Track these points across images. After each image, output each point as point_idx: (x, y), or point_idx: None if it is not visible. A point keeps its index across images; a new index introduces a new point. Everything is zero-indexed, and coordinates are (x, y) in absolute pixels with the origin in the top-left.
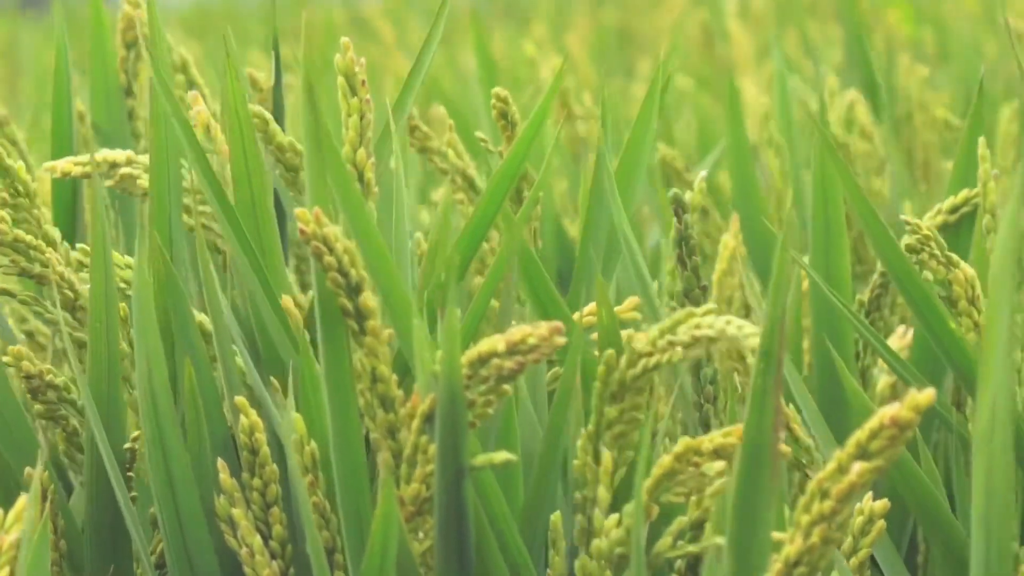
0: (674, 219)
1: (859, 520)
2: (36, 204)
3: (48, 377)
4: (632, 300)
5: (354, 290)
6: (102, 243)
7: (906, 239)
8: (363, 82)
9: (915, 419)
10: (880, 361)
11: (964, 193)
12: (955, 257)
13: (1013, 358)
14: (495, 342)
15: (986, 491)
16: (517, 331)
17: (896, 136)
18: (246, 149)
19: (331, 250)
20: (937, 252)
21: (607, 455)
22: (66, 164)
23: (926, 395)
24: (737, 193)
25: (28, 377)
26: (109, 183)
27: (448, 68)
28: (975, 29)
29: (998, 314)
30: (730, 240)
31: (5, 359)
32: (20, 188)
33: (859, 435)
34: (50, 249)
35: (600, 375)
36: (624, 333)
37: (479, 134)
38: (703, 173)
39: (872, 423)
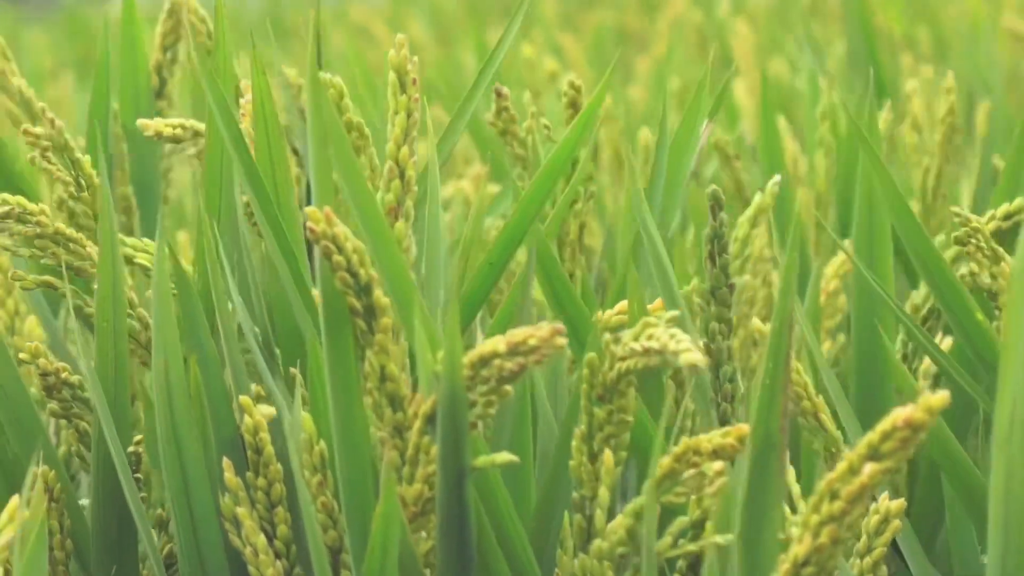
0: (709, 216)
1: (874, 519)
2: (97, 198)
3: (64, 375)
4: (660, 301)
5: (364, 290)
6: (111, 237)
7: (955, 232)
8: (414, 80)
9: (929, 421)
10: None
11: (1020, 200)
12: (1001, 251)
13: None
14: (496, 343)
15: (1005, 494)
16: (519, 332)
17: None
18: (271, 142)
19: (340, 249)
20: (983, 245)
21: (608, 454)
22: (158, 124)
23: (939, 397)
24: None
25: (44, 375)
26: (193, 151)
27: (448, 68)
28: (971, 28)
29: (1019, 313)
30: (755, 242)
31: (22, 355)
32: (84, 183)
33: (871, 436)
34: (90, 243)
35: (584, 377)
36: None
37: (544, 121)
38: (777, 177)
39: (885, 424)
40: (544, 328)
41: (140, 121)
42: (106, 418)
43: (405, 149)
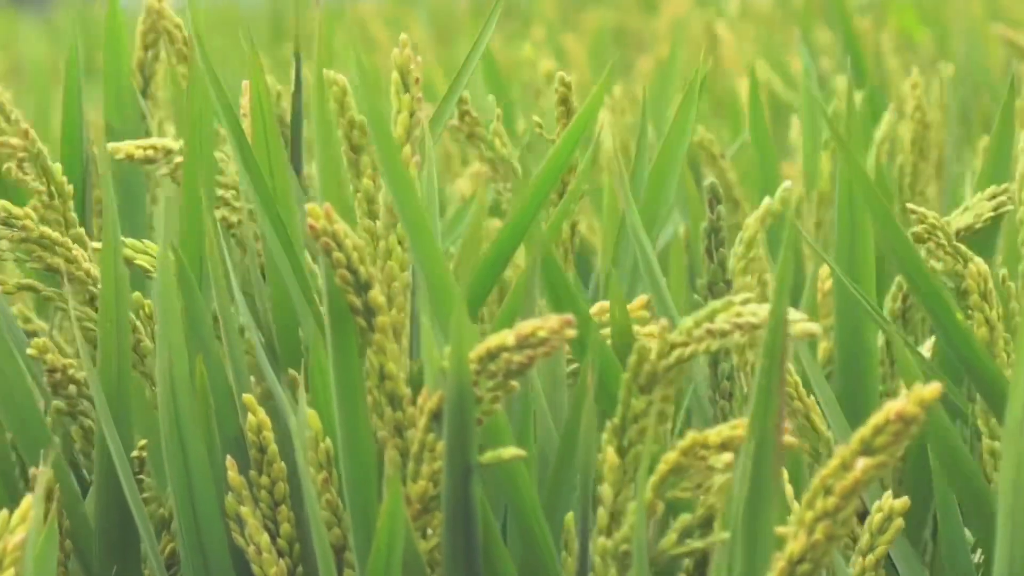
0: (707, 209)
1: (878, 517)
2: (69, 207)
3: (71, 372)
4: (641, 299)
5: (363, 287)
6: (113, 239)
7: (913, 228)
8: (417, 80)
9: (920, 414)
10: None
11: (995, 201)
12: (963, 248)
13: None
14: (505, 336)
15: (1014, 487)
16: (527, 324)
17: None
18: (269, 143)
19: (340, 246)
20: (944, 242)
21: (611, 453)
22: (129, 147)
23: (931, 389)
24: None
25: (51, 371)
26: (164, 171)
27: (447, 68)
28: (976, 31)
29: None
30: (753, 223)
31: (29, 351)
32: (55, 190)
33: (863, 431)
34: (76, 246)
35: (631, 365)
36: (644, 329)
37: (536, 118)
38: (788, 184)
39: (877, 418)
40: (553, 319)
41: (110, 145)
42: (106, 418)
43: (407, 148)
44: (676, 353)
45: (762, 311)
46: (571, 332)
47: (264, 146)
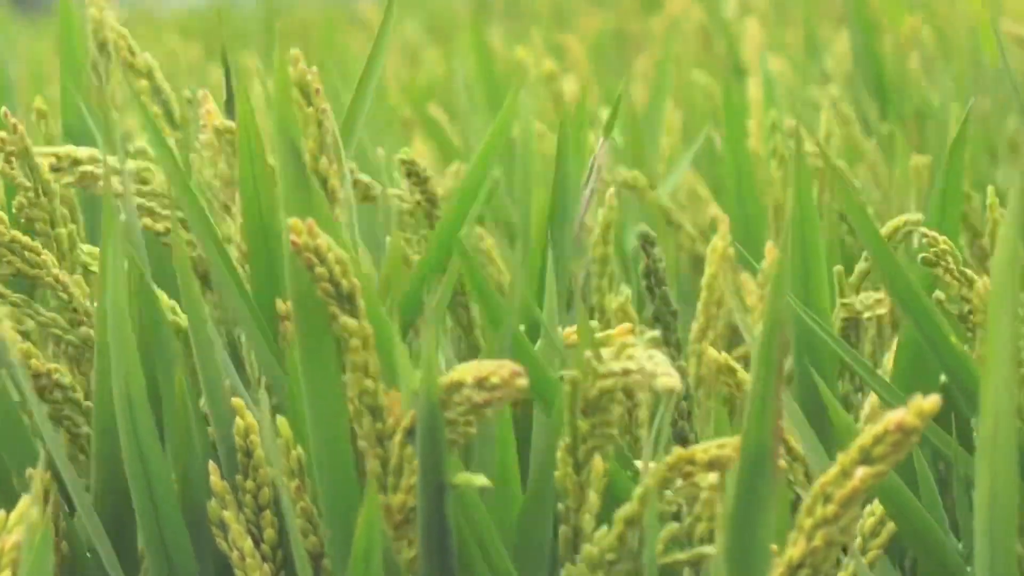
0: (642, 253)
1: (870, 521)
2: (55, 205)
3: (55, 376)
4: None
5: (346, 299)
6: (113, 242)
7: (922, 253)
8: (317, 91)
9: (920, 425)
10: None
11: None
12: (970, 272)
13: (1016, 366)
14: (464, 373)
15: (990, 498)
16: (485, 366)
17: (904, 136)
18: (254, 161)
19: (323, 261)
20: (953, 267)
21: (598, 461)
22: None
23: (931, 401)
24: (734, 192)
25: (36, 376)
26: (69, 179)
27: (446, 68)
28: (976, 30)
29: (1000, 320)
30: (719, 242)
31: (11, 357)
32: (41, 188)
33: (863, 440)
34: (46, 251)
35: (566, 395)
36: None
37: (392, 191)
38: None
39: (877, 428)
40: (506, 367)
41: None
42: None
43: (323, 159)
44: (598, 385)
45: (658, 357)
46: (522, 382)
47: (250, 168)
